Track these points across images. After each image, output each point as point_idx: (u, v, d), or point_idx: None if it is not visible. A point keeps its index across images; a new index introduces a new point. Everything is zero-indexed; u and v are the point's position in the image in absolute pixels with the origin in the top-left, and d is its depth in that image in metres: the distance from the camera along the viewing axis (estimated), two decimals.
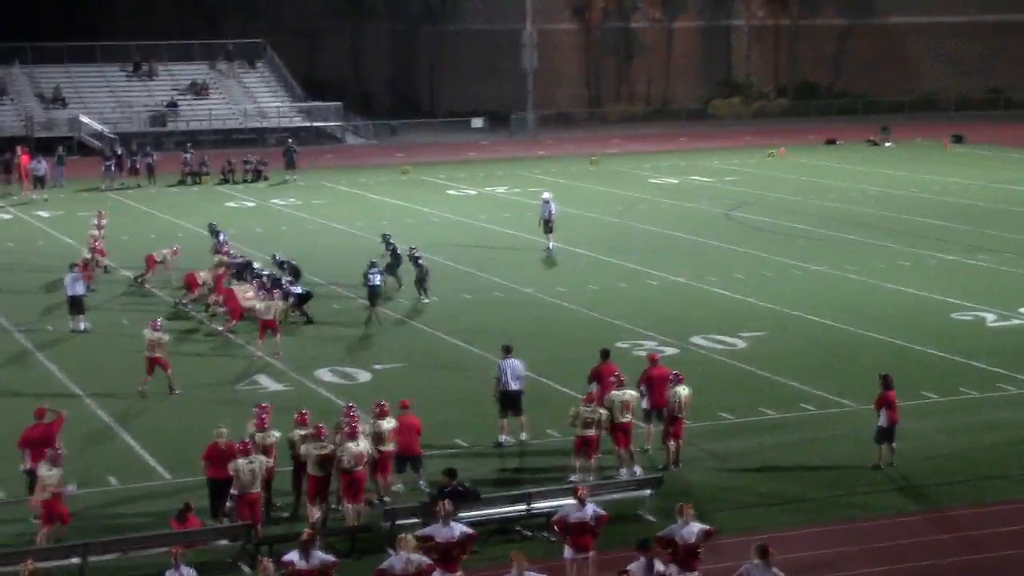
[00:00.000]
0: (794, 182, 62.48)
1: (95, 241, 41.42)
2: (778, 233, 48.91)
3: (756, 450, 25.86)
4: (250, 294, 35.31)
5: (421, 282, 37.97)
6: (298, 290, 36.08)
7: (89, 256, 39.72)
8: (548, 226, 45.78)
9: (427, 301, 37.73)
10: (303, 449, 22.16)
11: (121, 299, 38.97)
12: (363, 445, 22.11)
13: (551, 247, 45.33)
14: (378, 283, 36.20)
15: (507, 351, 26.77)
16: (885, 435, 24.75)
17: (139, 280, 40.10)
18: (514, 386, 26.23)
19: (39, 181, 61.46)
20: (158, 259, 40.06)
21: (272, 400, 26.13)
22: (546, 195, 47.22)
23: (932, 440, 26.24)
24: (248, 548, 20.76)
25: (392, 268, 39.12)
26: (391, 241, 40.02)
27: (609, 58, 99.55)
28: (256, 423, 22.82)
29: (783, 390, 29.53)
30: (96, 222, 43.92)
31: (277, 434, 22.85)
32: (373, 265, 36.64)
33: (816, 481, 24.22)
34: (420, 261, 38.44)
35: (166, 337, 30.02)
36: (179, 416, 28.07)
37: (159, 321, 30.15)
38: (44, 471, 21.32)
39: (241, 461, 21.23)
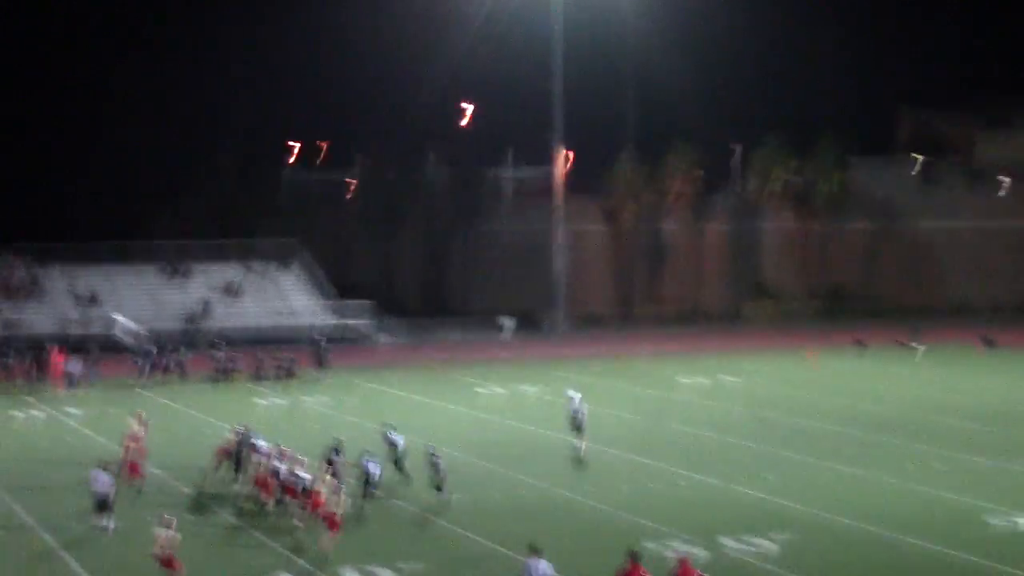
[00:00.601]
0: (825, 384, 62.17)
1: (134, 441, 40.50)
2: (809, 435, 48.45)
3: None
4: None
5: (438, 486, 37.41)
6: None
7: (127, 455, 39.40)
8: (577, 425, 45.13)
9: (446, 498, 37.21)
10: None
11: (149, 497, 38.64)
12: None
13: (581, 447, 44.62)
14: (373, 471, 36.72)
15: (534, 551, 26.35)
16: None
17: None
18: None
19: (72, 379, 61.91)
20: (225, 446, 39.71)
21: None
22: (572, 394, 46.69)
23: None
24: None
25: (398, 463, 39.29)
26: (391, 435, 40.14)
27: (640, 261, 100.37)
28: None
29: None
30: (137, 422, 41.88)
31: None
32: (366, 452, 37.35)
33: None
34: (438, 463, 37.82)
35: (178, 536, 29.37)
36: None
37: (174, 520, 29.48)
38: None
39: None
